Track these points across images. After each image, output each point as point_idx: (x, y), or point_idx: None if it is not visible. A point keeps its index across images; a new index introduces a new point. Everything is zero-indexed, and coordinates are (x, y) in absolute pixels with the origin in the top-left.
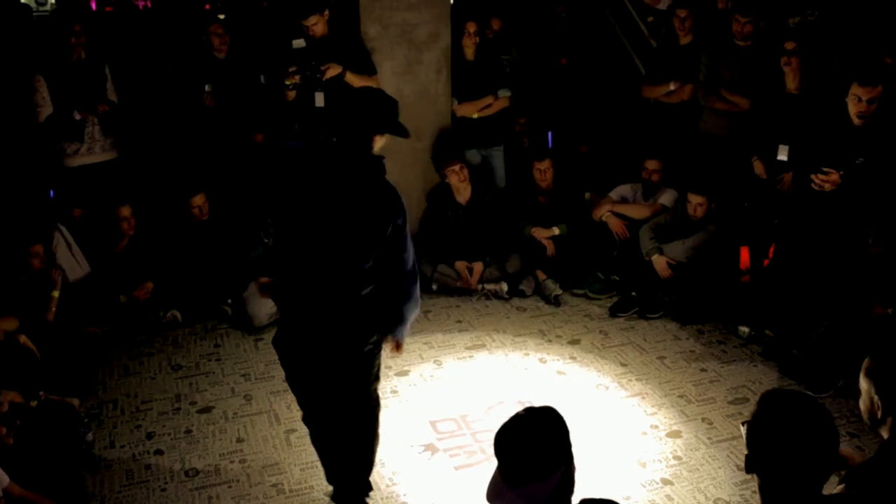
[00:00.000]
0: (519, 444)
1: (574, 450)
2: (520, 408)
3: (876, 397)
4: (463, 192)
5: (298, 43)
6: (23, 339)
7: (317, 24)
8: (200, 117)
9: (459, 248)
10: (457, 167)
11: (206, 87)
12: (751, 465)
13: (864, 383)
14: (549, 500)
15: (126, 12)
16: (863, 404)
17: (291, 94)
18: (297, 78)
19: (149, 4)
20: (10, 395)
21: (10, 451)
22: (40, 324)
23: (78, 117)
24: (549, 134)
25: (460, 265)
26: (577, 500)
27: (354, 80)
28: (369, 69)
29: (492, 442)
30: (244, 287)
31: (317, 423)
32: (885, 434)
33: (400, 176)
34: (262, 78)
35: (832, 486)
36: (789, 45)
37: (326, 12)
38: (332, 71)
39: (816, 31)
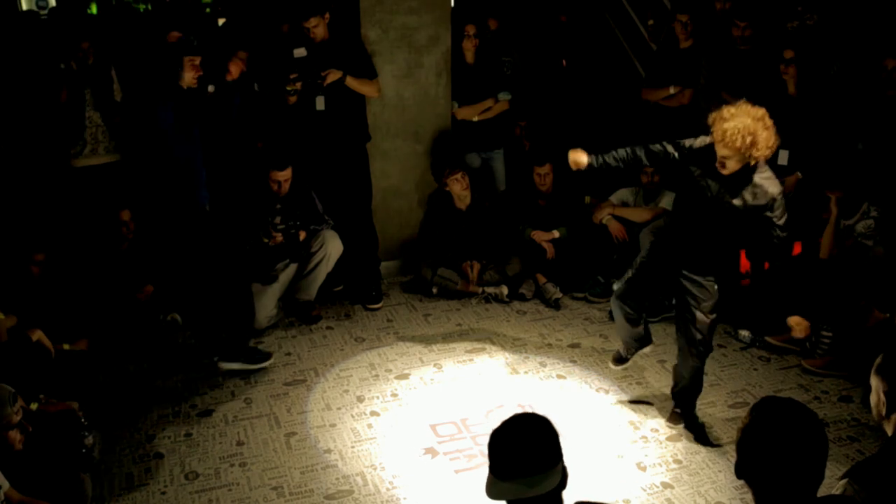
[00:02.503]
0: (514, 441)
1: (573, 451)
2: (520, 411)
3: (882, 395)
4: (464, 198)
5: (300, 52)
6: (37, 335)
7: (317, 27)
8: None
9: (459, 252)
10: (459, 175)
11: (210, 88)
12: (740, 471)
13: (874, 380)
14: (543, 495)
15: (125, 16)
16: (872, 399)
17: (292, 99)
18: (298, 84)
19: (150, 8)
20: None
21: (11, 455)
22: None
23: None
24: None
25: (466, 265)
26: (572, 503)
27: (355, 84)
28: (370, 73)
29: (487, 451)
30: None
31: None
32: (889, 430)
33: (400, 179)
34: (255, 86)
35: (834, 482)
36: (788, 54)
37: (327, 15)
38: (333, 76)
39: (815, 35)
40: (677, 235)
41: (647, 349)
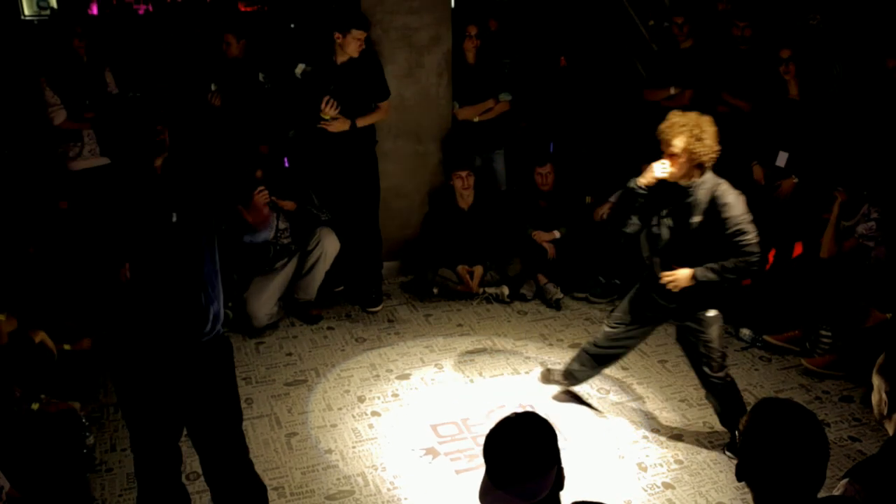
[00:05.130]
0: (508, 447)
1: (573, 452)
2: (520, 412)
3: (884, 394)
4: (466, 197)
5: (300, 69)
6: (40, 336)
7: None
8: (207, 115)
9: (460, 252)
10: (464, 174)
11: (212, 87)
12: (741, 474)
13: (876, 379)
14: (538, 501)
15: (125, 17)
16: (874, 398)
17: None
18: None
19: (150, 8)
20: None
21: (12, 455)
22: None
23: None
24: (551, 142)
25: (462, 269)
26: (570, 503)
27: (364, 122)
28: (384, 93)
29: (483, 454)
30: (245, 287)
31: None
32: (890, 430)
33: (401, 179)
34: (260, 76)
35: (835, 482)
36: (784, 54)
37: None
38: (340, 126)
39: (819, 35)
40: None
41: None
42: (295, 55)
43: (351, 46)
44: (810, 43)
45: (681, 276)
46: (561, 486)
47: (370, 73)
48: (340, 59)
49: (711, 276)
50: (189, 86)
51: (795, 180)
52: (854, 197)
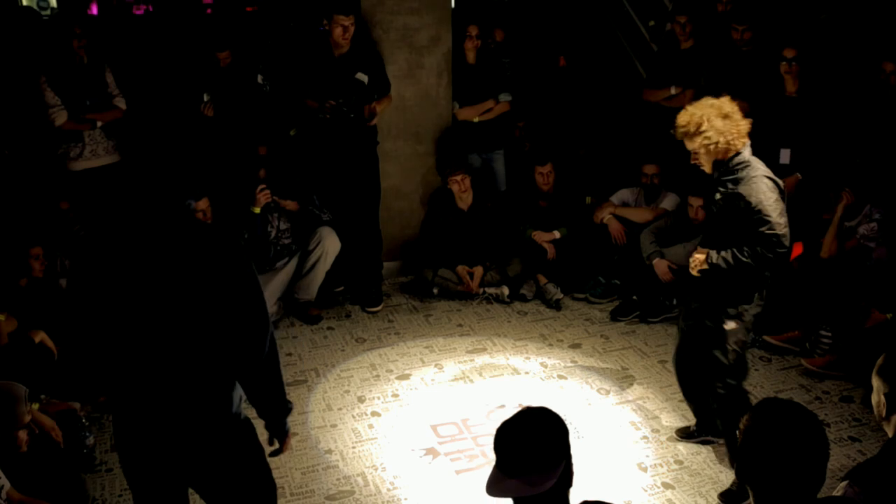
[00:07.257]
0: (519, 436)
1: (574, 451)
2: (535, 406)
3: (883, 396)
4: (465, 199)
5: (362, 77)
6: (40, 336)
7: (352, 26)
8: (202, 123)
9: (460, 252)
10: (458, 177)
11: (205, 97)
12: (741, 474)
13: (875, 381)
14: (547, 494)
15: (124, 17)
16: (873, 399)
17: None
18: (332, 103)
19: (150, 9)
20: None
21: (13, 455)
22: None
23: (100, 124)
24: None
25: (461, 269)
26: (578, 502)
27: (378, 106)
28: (386, 86)
29: (493, 446)
30: None
31: None
32: (889, 432)
33: (401, 180)
34: (259, 78)
35: (835, 483)
36: (789, 53)
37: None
38: (378, 110)
39: (823, 32)
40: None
41: None
42: (293, 55)
43: (335, 32)
44: (816, 40)
45: (699, 256)
46: (570, 484)
47: (371, 66)
48: (337, 51)
49: (723, 260)
50: (183, 96)
51: (799, 177)
52: (857, 197)
